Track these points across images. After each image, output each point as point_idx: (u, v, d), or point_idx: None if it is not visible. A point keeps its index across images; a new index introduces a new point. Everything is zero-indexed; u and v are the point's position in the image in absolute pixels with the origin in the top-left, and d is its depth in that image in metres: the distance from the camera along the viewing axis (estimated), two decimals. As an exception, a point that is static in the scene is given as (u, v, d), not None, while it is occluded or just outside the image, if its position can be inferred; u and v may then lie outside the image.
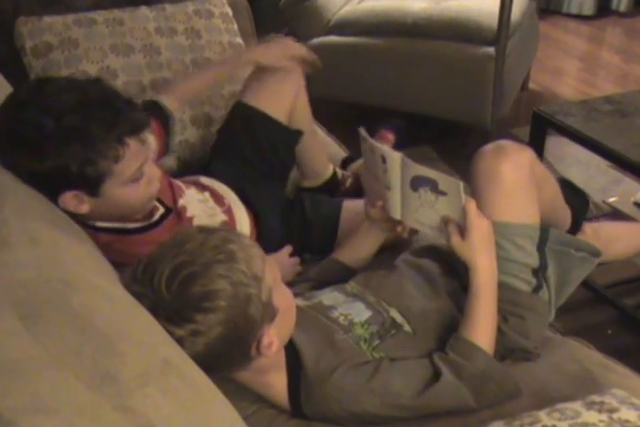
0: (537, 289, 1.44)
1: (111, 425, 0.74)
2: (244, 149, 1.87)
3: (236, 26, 2.25)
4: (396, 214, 1.49)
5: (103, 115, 1.31)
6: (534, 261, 1.44)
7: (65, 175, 1.29)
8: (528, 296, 1.43)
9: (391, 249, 1.66)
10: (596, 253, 1.51)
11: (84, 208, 1.36)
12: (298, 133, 1.95)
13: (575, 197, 1.79)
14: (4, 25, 2.06)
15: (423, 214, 1.44)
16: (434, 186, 1.37)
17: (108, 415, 0.74)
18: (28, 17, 2.04)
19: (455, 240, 1.37)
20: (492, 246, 1.38)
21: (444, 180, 1.36)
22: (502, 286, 1.40)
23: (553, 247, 1.47)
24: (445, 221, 1.39)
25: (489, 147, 1.48)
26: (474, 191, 1.45)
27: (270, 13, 3.06)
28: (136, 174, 1.37)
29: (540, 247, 1.45)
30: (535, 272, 1.44)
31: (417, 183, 1.40)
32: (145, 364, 0.85)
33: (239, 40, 2.23)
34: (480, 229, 1.36)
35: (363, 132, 1.50)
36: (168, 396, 0.82)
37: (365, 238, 1.60)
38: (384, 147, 1.45)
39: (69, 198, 1.33)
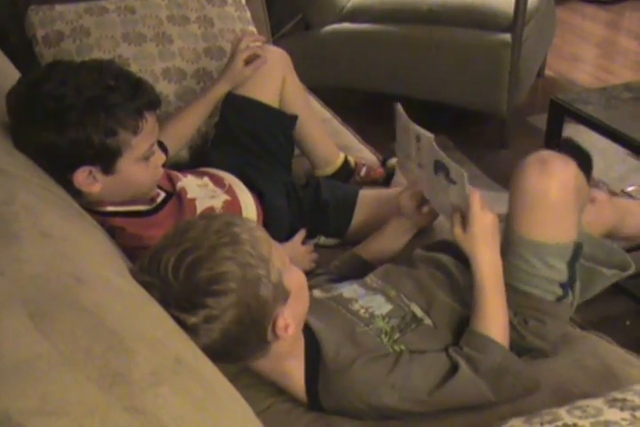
0: (561, 298, 1.39)
1: (122, 427, 0.72)
2: (241, 139, 1.86)
3: (248, 14, 2.22)
4: (427, 194, 1.50)
5: (123, 87, 1.34)
6: (563, 276, 1.38)
7: (85, 148, 1.32)
8: (552, 304, 1.39)
9: (412, 239, 1.63)
10: (626, 266, 1.45)
11: (96, 187, 1.38)
12: (292, 118, 1.92)
13: (578, 156, 1.73)
14: (15, 13, 2.05)
15: (441, 199, 1.44)
16: (447, 173, 1.36)
17: (119, 417, 0.72)
18: (40, 5, 2.02)
19: (457, 231, 1.35)
20: (495, 240, 1.35)
21: (454, 169, 1.34)
22: (525, 295, 1.37)
23: (585, 264, 1.42)
24: (453, 210, 1.37)
25: (532, 161, 1.37)
26: (513, 205, 1.38)
27: (283, 0, 3.02)
28: (148, 152, 1.41)
29: (571, 263, 1.38)
30: (562, 284, 1.39)
31: (437, 167, 1.39)
32: (156, 362, 0.83)
33: (252, 28, 2.20)
34: (482, 222, 1.33)
35: (399, 108, 1.48)
36: (180, 396, 0.80)
37: (392, 237, 1.59)
38: (417, 126, 1.44)
39: (83, 176, 1.36)
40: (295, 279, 1.21)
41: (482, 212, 1.33)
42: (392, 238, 1.59)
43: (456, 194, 1.36)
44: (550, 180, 1.34)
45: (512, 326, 1.36)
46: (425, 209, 1.56)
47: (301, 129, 1.94)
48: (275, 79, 1.88)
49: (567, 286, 1.38)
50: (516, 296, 1.37)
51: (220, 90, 1.86)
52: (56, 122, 1.30)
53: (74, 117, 1.30)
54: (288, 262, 1.21)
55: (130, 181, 1.42)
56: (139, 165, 1.41)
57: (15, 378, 0.73)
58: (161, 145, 1.74)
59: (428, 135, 1.40)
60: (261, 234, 1.17)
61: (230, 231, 1.13)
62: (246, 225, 1.17)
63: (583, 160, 1.70)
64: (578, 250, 1.38)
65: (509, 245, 1.38)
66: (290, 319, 1.17)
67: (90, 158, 1.35)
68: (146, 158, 1.42)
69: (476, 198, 1.33)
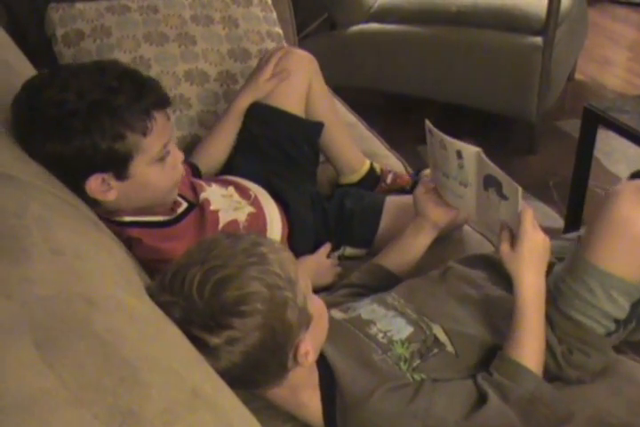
0: (611, 333, 1.32)
1: (132, 473, 0.67)
2: (265, 148, 1.80)
3: (274, 14, 2.16)
4: (472, 214, 1.43)
5: (127, 87, 1.27)
6: (622, 314, 1.30)
7: (93, 155, 1.26)
8: (600, 338, 1.32)
9: (436, 247, 1.56)
10: None
11: (111, 195, 1.32)
12: (318, 125, 1.86)
13: None
14: (34, 11, 2.00)
15: (489, 216, 1.37)
16: (499, 188, 1.29)
17: (129, 462, 0.67)
18: (60, 3, 1.97)
19: (504, 248, 1.28)
20: (543, 262, 1.28)
21: (508, 183, 1.27)
22: (576, 324, 1.30)
23: None
24: (501, 227, 1.30)
25: (629, 188, 1.28)
26: (594, 229, 1.29)
27: (309, 0, 2.97)
28: (162, 153, 1.34)
29: (636, 305, 1.30)
30: (617, 321, 1.31)
31: (487, 182, 1.32)
32: (171, 397, 0.78)
33: (278, 30, 2.14)
34: (532, 241, 1.26)
35: (429, 125, 1.42)
36: (196, 435, 0.75)
37: (411, 242, 1.52)
38: (458, 141, 1.37)
39: (97, 184, 1.30)
40: (317, 305, 1.17)
41: (533, 230, 1.26)
42: (411, 242, 1.52)
43: (507, 210, 1.30)
44: None
45: (553, 355, 1.30)
46: (439, 201, 1.48)
47: (326, 135, 1.88)
48: (300, 84, 1.82)
49: (622, 323, 1.31)
50: (565, 323, 1.31)
51: (244, 104, 1.81)
52: (60, 130, 1.24)
53: (77, 124, 1.24)
54: (310, 287, 1.16)
55: (147, 184, 1.36)
56: (154, 167, 1.34)
57: (17, 417, 0.68)
58: (193, 166, 1.71)
59: (474, 149, 1.33)
60: (288, 255, 1.13)
61: (258, 251, 1.09)
62: (273, 246, 1.13)
63: None
64: None
65: (575, 269, 1.30)
66: (310, 346, 1.12)
67: (100, 165, 1.28)
68: (161, 159, 1.35)
69: (529, 215, 1.26)
